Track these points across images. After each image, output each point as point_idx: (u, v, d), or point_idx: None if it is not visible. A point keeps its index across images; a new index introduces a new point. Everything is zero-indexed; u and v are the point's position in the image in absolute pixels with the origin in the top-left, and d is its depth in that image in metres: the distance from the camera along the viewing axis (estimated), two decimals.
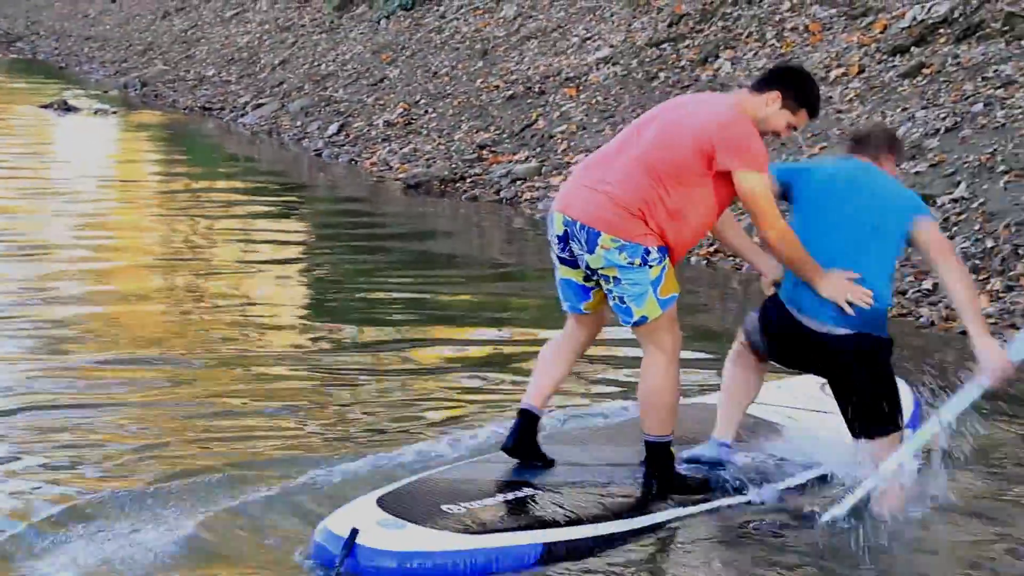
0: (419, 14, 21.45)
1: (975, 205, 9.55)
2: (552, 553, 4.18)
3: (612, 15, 17.16)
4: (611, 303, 4.53)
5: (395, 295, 9.74)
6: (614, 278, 4.43)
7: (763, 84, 4.65)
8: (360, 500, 4.28)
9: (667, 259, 4.45)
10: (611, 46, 16.10)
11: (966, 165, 10.02)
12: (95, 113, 20.86)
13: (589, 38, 16.81)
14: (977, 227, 9.33)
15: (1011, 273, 8.61)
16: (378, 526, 4.02)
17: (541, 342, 7.46)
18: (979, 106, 10.60)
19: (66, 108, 20.60)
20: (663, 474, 4.62)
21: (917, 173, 10.11)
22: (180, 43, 27.64)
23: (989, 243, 8.77)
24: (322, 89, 19.68)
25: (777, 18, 14.34)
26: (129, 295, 9.48)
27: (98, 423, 5.75)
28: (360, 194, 14.51)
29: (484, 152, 14.26)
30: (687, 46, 15.05)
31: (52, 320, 8.14)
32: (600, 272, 4.47)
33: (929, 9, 12.31)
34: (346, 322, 8.96)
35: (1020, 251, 8.59)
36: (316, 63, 21.62)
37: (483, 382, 7.27)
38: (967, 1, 11.95)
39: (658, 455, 4.59)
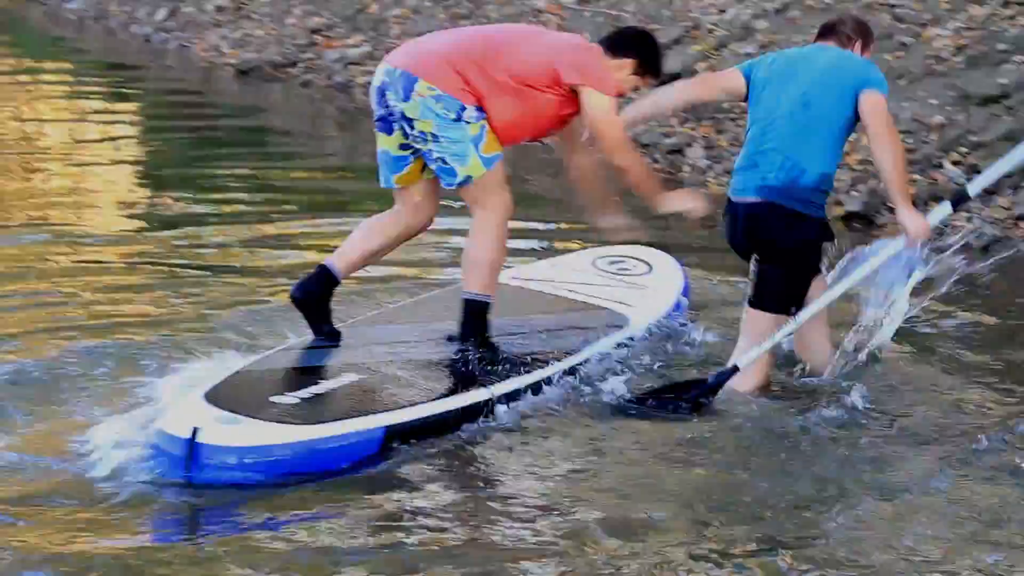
0: None
1: None
2: (392, 436, 4.18)
3: None
4: (434, 167, 4.52)
5: (227, 174, 9.67)
6: (432, 135, 4.44)
7: (617, 48, 4.74)
8: (187, 398, 4.19)
9: (485, 121, 4.48)
10: None
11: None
12: None
13: None
14: None
15: None
16: (216, 422, 3.96)
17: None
18: None
19: None
20: (479, 335, 4.62)
21: (746, 54, 10.09)
22: None
23: None
24: None
25: None
26: None
27: None
28: (191, 79, 14.47)
29: (317, 37, 14.18)
30: None
31: None
32: (418, 128, 4.45)
33: None
34: (177, 200, 8.92)
35: None
36: None
37: (308, 262, 6.88)
38: None
39: (476, 315, 4.58)
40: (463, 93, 4.43)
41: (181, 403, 4.10)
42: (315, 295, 4.64)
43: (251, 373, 4.43)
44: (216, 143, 11.51)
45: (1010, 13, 9.86)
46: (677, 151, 9.95)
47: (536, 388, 4.54)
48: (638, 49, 4.77)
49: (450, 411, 4.32)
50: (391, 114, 4.53)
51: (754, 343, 4.73)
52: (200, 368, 4.62)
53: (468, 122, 4.44)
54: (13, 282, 6.37)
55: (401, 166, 4.60)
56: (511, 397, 4.45)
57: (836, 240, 5.14)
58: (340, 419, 4.08)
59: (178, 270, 7.03)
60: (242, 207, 8.86)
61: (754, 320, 4.83)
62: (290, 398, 4.18)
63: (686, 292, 5.57)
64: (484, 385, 4.44)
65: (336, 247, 5.58)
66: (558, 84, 4.53)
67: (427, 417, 4.25)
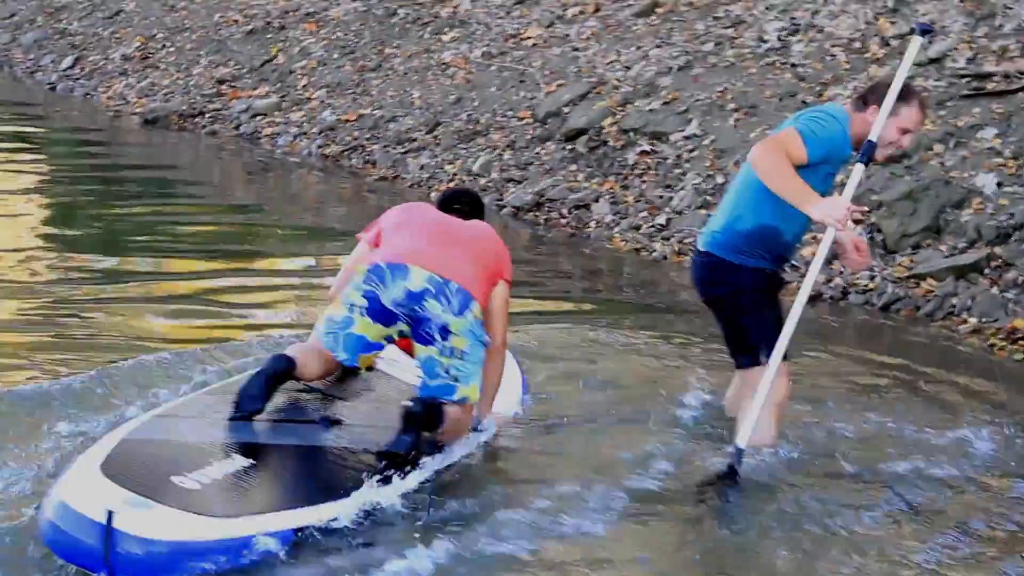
0: None
1: (706, 142, 9.92)
2: (304, 533, 4.05)
3: None
4: (435, 381, 4.64)
5: (132, 225, 9.83)
6: (461, 353, 4.66)
7: (470, 211, 5.09)
8: (80, 468, 4.00)
9: None
10: None
11: (698, 103, 10.34)
12: None
13: None
14: (708, 163, 9.69)
15: None
16: (127, 506, 3.76)
17: (279, 273, 8.54)
18: (710, 45, 11.00)
19: None
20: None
21: (651, 111, 10.49)
22: None
23: (720, 179, 9.00)
24: (56, 21, 19.08)
25: None
26: None
27: None
28: (96, 127, 14.35)
29: (223, 87, 14.27)
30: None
31: None
32: (451, 343, 4.60)
33: None
34: (80, 251, 8.90)
35: None
36: None
37: (210, 315, 7.25)
38: None
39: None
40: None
41: (80, 476, 3.92)
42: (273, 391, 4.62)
43: (143, 442, 4.30)
44: (120, 192, 11.46)
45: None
46: (584, 206, 9.90)
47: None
48: (482, 209, 5.22)
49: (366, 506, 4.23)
50: (415, 318, 4.54)
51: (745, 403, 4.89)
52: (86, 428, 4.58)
53: (485, 346, 4.67)
54: None
55: (371, 350, 4.63)
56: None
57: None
58: (253, 514, 3.98)
59: (70, 321, 6.97)
60: (143, 257, 8.82)
61: (743, 381, 5.06)
62: (194, 482, 4.05)
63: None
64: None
65: (233, 301, 6.50)
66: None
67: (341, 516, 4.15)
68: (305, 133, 12.64)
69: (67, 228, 10.25)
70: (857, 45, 10.53)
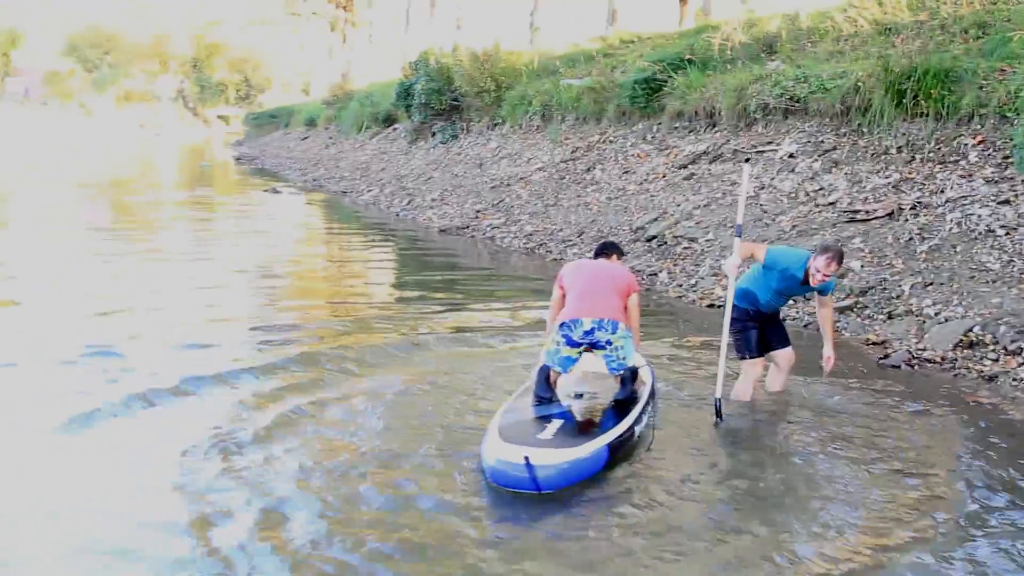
0: (450, 146, 27.02)
1: (716, 243, 12.19)
2: (614, 450, 5.61)
3: (543, 146, 21.79)
4: (612, 364, 6.49)
5: (439, 281, 12.51)
6: (620, 347, 6.43)
7: (609, 253, 7.03)
8: (494, 439, 5.50)
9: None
10: (542, 161, 20.66)
11: (712, 223, 12.87)
12: (289, 193, 28.36)
13: (532, 158, 21.48)
14: (717, 253, 11.88)
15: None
16: (533, 452, 5.19)
17: (513, 301, 10.52)
18: (719, 194, 14.19)
19: (275, 191, 28.74)
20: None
21: (689, 226, 13.15)
22: (332, 160, 36.30)
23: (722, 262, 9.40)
24: (400, 182, 25.73)
25: (624, 149, 18.85)
26: (304, 276, 13.12)
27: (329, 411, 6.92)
28: (417, 232, 18.58)
29: (478, 213, 18.81)
30: (579, 162, 19.44)
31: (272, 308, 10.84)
32: (615, 345, 6.42)
33: (696, 146, 16.60)
34: (413, 290, 11.90)
35: None
36: (398, 170, 27.68)
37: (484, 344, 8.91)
38: (715, 143, 16.08)
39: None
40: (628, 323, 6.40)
41: (496, 442, 5.35)
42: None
43: (511, 423, 5.70)
44: (429, 263, 14.82)
45: (820, 211, 11.97)
46: (653, 274, 12.22)
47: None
48: (616, 250, 7.09)
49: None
50: (592, 341, 6.34)
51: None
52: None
53: (630, 333, 6.43)
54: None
55: (572, 363, 6.49)
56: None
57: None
58: (586, 443, 5.44)
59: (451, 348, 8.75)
60: (445, 300, 11.35)
61: (744, 368, 7.12)
62: (547, 434, 5.55)
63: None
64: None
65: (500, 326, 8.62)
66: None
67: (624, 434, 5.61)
68: (516, 236, 16.38)
69: (408, 276, 13.73)
70: (793, 195, 12.90)
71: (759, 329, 7.14)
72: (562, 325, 6.31)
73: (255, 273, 13.41)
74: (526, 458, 5.08)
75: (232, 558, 4.65)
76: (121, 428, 6.51)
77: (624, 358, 6.33)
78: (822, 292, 6.96)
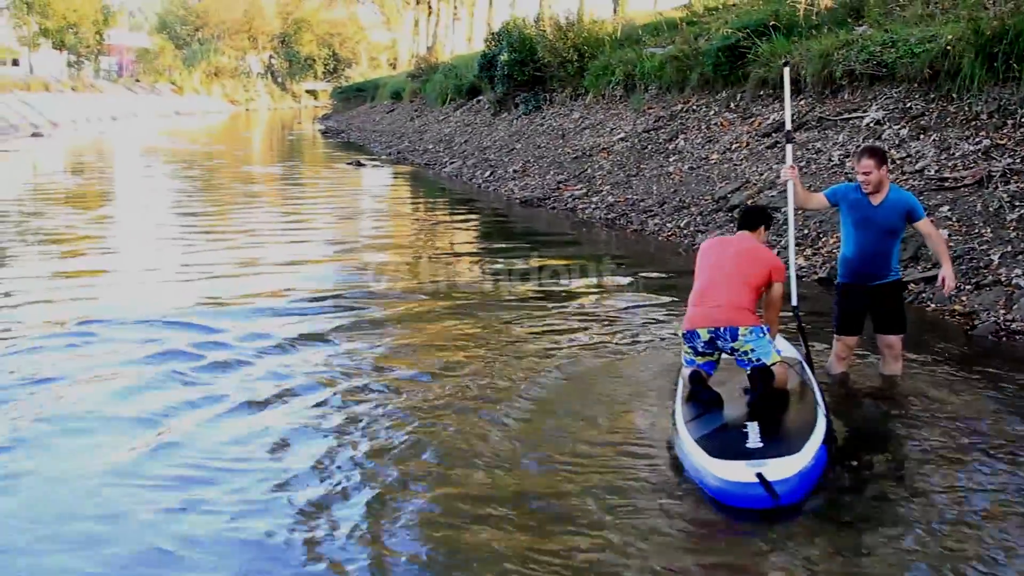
0: (533, 117, 27.50)
1: (798, 216, 11.30)
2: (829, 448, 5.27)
3: (626, 116, 22.09)
4: (748, 367, 5.92)
5: (515, 252, 12.93)
6: (751, 350, 5.90)
7: (752, 224, 6.40)
8: (702, 458, 5.07)
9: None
10: (624, 131, 20.72)
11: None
12: (372, 166, 29.52)
13: (614, 128, 21.65)
14: (800, 219, 11.63)
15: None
16: (761, 466, 4.86)
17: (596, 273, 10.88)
18: (803, 163, 13.80)
19: (359, 164, 29.75)
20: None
21: (772, 195, 12.99)
22: (416, 132, 37.21)
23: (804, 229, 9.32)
24: (483, 154, 26.17)
25: (707, 118, 18.88)
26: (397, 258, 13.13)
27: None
28: (499, 205, 19.03)
29: (560, 185, 18.92)
30: (662, 132, 19.48)
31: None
32: (741, 350, 5.92)
33: (780, 114, 16.05)
34: (498, 261, 12.23)
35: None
36: (481, 141, 28.34)
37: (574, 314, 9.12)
38: (799, 111, 15.77)
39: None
40: (757, 319, 5.88)
41: (705, 460, 5.00)
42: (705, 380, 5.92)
43: (700, 438, 5.28)
44: (510, 232, 15.58)
45: (906, 179, 10.56)
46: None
47: None
48: (763, 219, 6.53)
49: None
50: (716, 347, 5.96)
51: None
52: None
53: (766, 334, 5.87)
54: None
55: (712, 367, 6.06)
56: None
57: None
58: (805, 449, 5.06)
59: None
60: (523, 265, 11.86)
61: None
62: (755, 441, 5.18)
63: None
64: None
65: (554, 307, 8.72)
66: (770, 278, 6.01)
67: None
68: (598, 207, 16.44)
69: (490, 243, 14.31)
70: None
71: (856, 307, 6.90)
72: (684, 336, 6.05)
73: (339, 246, 14.05)
74: (759, 475, 4.82)
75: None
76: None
77: (758, 359, 5.87)
78: (912, 219, 6.70)
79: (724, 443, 5.17)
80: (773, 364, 5.78)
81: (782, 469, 4.88)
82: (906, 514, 4.92)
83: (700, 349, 5.89)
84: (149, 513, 4.99)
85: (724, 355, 6.10)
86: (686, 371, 6.00)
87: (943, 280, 6.67)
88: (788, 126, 7.09)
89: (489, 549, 4.57)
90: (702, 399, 5.77)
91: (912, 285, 9.08)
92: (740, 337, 5.77)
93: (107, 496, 5.20)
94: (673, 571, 4.38)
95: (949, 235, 10.16)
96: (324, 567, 4.47)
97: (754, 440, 5.18)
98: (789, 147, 6.93)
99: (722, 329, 5.77)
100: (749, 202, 13.11)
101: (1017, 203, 10.58)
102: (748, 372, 5.80)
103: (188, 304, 9.70)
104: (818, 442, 5.18)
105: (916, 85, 13.92)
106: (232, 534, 4.76)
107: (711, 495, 4.97)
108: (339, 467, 5.59)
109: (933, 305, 9.12)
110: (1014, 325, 8.44)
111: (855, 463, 5.53)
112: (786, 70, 7.00)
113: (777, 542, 4.65)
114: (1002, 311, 8.73)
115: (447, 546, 4.65)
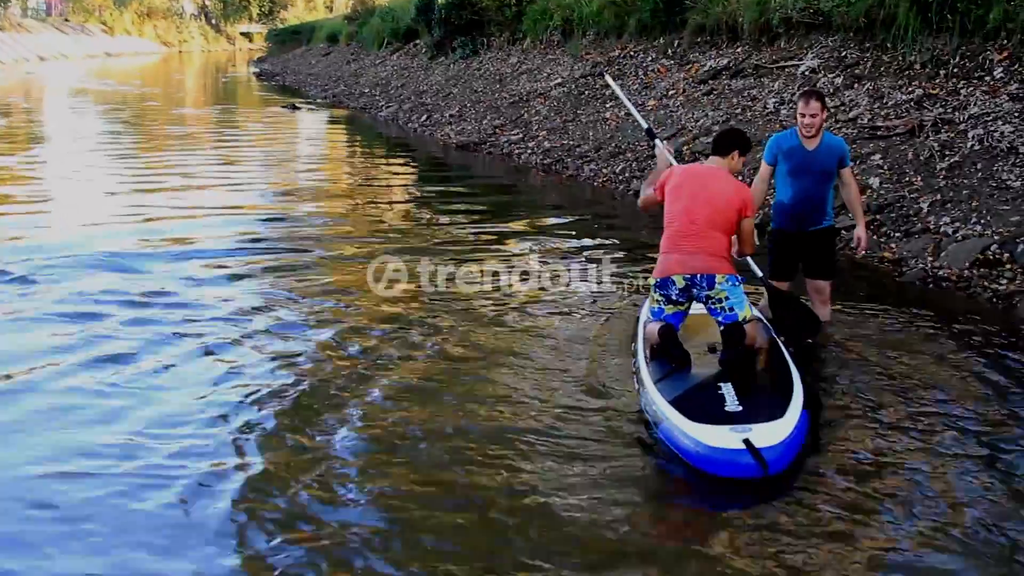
0: (470, 61, 27.61)
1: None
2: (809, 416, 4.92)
3: (564, 62, 22.22)
4: (720, 316, 5.76)
5: (454, 196, 13.27)
6: (725, 298, 5.75)
7: (725, 149, 6.02)
8: (680, 422, 4.68)
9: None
10: (561, 78, 20.86)
11: None
12: (307, 109, 29.67)
13: (552, 74, 21.76)
14: None
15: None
16: (750, 432, 4.51)
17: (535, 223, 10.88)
18: (739, 110, 14.23)
19: (294, 107, 29.97)
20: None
21: (707, 143, 11.47)
22: (352, 76, 37.07)
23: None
24: (420, 98, 26.11)
25: (644, 65, 19.08)
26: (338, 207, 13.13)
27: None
28: (435, 150, 19.27)
29: (496, 130, 19.05)
30: (599, 78, 19.19)
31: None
32: (716, 297, 5.74)
33: (716, 61, 16.83)
34: (430, 211, 12.12)
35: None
36: (418, 86, 28.38)
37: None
38: (736, 58, 16.25)
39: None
40: (732, 267, 5.77)
41: (684, 423, 4.63)
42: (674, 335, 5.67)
43: (679, 396, 4.95)
44: (443, 176, 15.88)
45: (840, 127, 11.40)
46: None
47: None
48: (737, 143, 6.10)
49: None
50: (690, 295, 5.80)
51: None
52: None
53: (740, 284, 5.80)
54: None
55: (681, 317, 5.91)
56: None
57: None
58: (792, 413, 4.78)
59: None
60: (453, 217, 11.71)
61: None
62: (733, 404, 4.86)
63: None
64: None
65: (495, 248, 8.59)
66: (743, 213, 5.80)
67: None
68: (534, 153, 16.50)
69: (426, 187, 14.61)
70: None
71: (790, 253, 6.95)
72: (656, 285, 5.82)
73: (274, 189, 14.14)
74: (746, 441, 4.50)
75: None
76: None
77: (731, 308, 5.72)
78: (841, 165, 6.75)
79: (702, 405, 4.89)
80: (745, 320, 5.65)
81: (768, 435, 4.61)
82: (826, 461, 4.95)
83: (674, 297, 5.75)
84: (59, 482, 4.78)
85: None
86: (653, 325, 5.76)
87: (859, 240, 6.81)
88: (644, 124, 7.22)
89: (439, 525, 4.43)
90: (673, 355, 5.58)
91: (844, 232, 9.04)
92: (717, 284, 5.67)
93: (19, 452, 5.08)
94: (649, 536, 4.31)
95: (880, 183, 10.31)
96: (273, 542, 4.31)
97: (732, 403, 4.92)
98: (659, 143, 6.93)
99: (699, 276, 5.65)
100: (685, 148, 13.30)
101: (947, 152, 10.69)
102: (721, 328, 5.64)
103: (119, 248, 9.63)
104: (799, 406, 4.93)
105: (852, 34, 14.06)
106: (133, 505, 4.55)
107: (690, 461, 4.70)
108: (266, 428, 5.48)
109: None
110: (941, 272, 8.54)
111: None
112: (609, 78, 7.23)
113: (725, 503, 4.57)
114: (930, 258, 8.81)
115: (391, 512, 4.57)
